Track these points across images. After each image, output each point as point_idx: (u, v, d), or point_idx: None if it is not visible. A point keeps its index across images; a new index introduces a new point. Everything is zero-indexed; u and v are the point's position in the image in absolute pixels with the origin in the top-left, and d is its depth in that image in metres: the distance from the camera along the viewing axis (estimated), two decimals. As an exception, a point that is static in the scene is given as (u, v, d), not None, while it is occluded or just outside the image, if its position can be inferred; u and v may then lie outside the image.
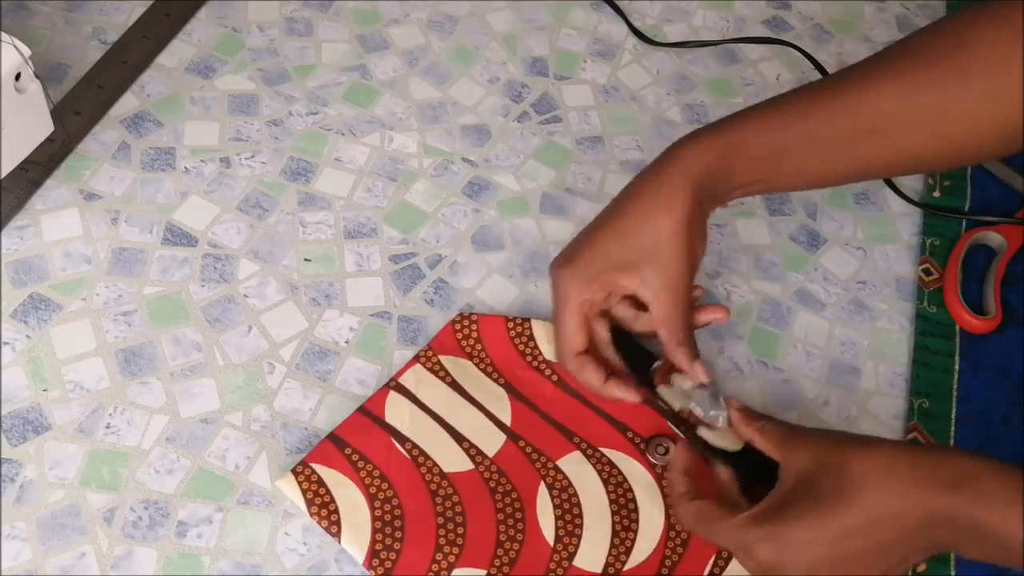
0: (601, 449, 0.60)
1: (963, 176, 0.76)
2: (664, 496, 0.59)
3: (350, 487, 0.57)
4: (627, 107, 0.78)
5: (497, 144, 0.74)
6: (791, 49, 0.83)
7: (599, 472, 0.59)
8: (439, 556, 0.55)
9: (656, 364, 0.60)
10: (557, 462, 0.59)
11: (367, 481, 0.57)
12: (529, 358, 0.63)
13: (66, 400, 0.59)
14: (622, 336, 0.61)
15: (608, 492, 0.59)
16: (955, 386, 0.65)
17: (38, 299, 0.62)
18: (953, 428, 0.63)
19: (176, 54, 0.76)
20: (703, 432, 0.57)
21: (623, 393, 0.58)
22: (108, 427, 0.58)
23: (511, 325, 0.63)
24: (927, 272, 0.70)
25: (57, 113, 0.68)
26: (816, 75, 0.81)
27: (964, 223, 0.73)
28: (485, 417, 0.60)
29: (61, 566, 0.53)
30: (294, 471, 0.57)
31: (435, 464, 0.58)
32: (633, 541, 0.57)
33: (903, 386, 0.66)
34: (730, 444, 0.57)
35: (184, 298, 0.64)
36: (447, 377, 0.62)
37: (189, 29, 0.77)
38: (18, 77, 0.61)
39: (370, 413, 0.60)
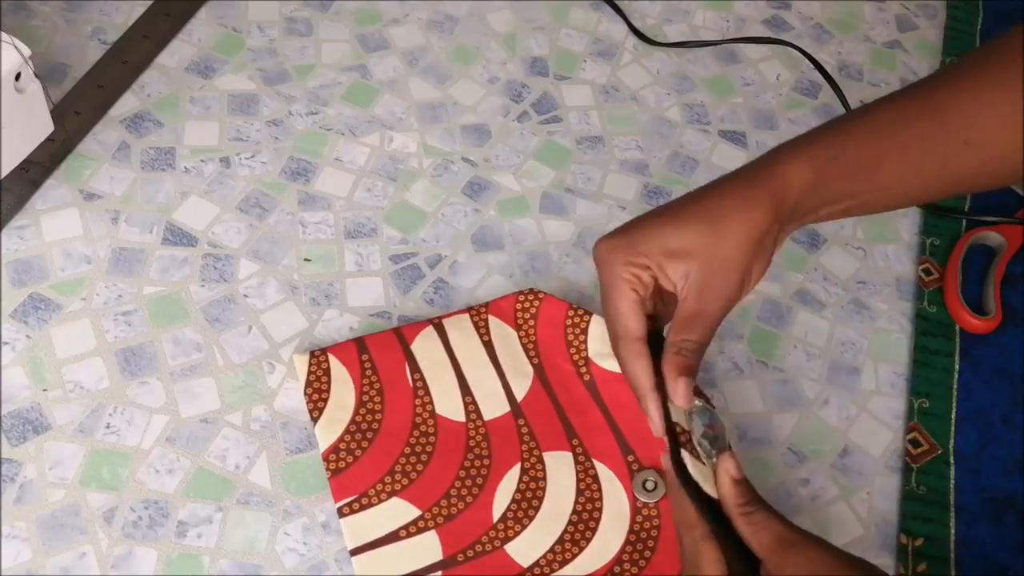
0: (594, 460, 0.59)
1: (963, 176, 0.76)
2: (632, 534, 0.57)
3: (348, 387, 0.60)
4: (627, 107, 0.78)
5: (497, 144, 0.74)
6: (791, 49, 0.83)
7: (579, 481, 0.58)
8: (387, 479, 0.57)
9: None
10: (544, 453, 0.59)
11: (365, 388, 0.60)
12: (573, 350, 0.62)
13: (66, 400, 0.59)
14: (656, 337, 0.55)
15: (576, 503, 0.58)
16: (955, 386, 0.65)
17: (38, 299, 0.62)
18: (953, 428, 0.63)
19: (176, 54, 0.76)
20: (687, 458, 0.50)
21: (656, 416, 0.51)
22: (108, 427, 0.58)
23: (571, 313, 0.63)
24: (927, 272, 0.71)
25: (57, 113, 0.68)
26: (816, 75, 0.81)
27: (964, 223, 0.73)
28: (500, 385, 0.61)
29: (61, 566, 0.53)
30: (312, 353, 0.61)
31: (431, 401, 0.60)
32: (574, 555, 0.56)
33: (903, 386, 0.66)
34: (711, 488, 0.49)
35: (184, 298, 0.64)
36: (486, 335, 0.62)
37: (189, 29, 0.77)
38: (18, 77, 0.61)
39: (401, 336, 0.62)
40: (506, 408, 0.60)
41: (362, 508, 0.56)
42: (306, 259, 0.66)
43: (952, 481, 0.61)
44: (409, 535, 0.55)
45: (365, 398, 0.59)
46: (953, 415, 0.64)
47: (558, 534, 0.56)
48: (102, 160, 0.69)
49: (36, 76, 0.62)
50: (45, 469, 0.56)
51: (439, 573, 0.54)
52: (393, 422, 0.59)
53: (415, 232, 0.69)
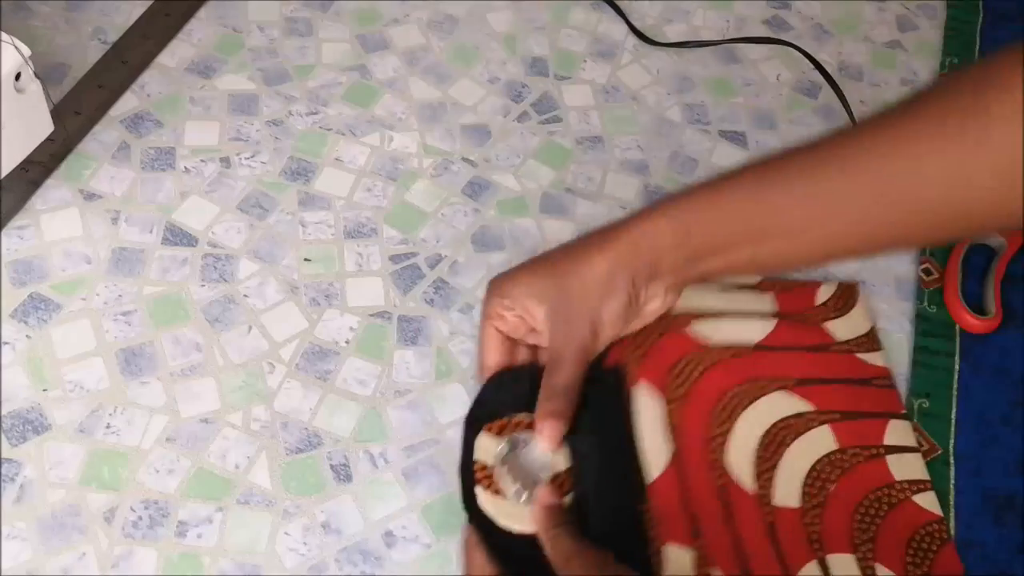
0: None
1: (963, 176, 0.76)
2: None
3: None
4: (627, 107, 0.78)
5: (497, 144, 0.74)
6: (791, 49, 0.83)
7: None
8: None
9: (516, 416, 0.55)
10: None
11: None
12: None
13: (66, 400, 0.59)
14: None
15: None
16: (955, 386, 0.65)
17: (38, 299, 0.62)
18: (953, 428, 0.63)
19: (176, 54, 0.76)
20: (483, 496, 0.52)
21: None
22: (108, 427, 0.58)
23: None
24: (927, 272, 0.71)
25: (57, 113, 0.68)
26: (816, 75, 0.81)
27: (964, 223, 0.73)
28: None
29: (61, 566, 0.53)
30: None
31: None
32: None
33: (903, 386, 0.66)
34: (515, 522, 0.51)
35: (184, 298, 0.64)
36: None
37: (189, 29, 0.77)
38: (18, 77, 0.61)
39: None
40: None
41: None
42: (306, 259, 0.66)
43: (952, 481, 0.61)
44: None
45: None
46: (953, 415, 0.64)
47: None
48: (102, 160, 0.69)
49: (36, 76, 0.62)
50: (45, 469, 0.56)
51: None
52: None
53: (415, 232, 0.69)
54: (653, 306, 0.56)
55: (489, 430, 0.54)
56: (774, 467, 0.58)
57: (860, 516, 0.57)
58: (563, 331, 0.54)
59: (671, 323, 0.61)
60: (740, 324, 0.62)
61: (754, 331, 0.62)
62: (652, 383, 0.58)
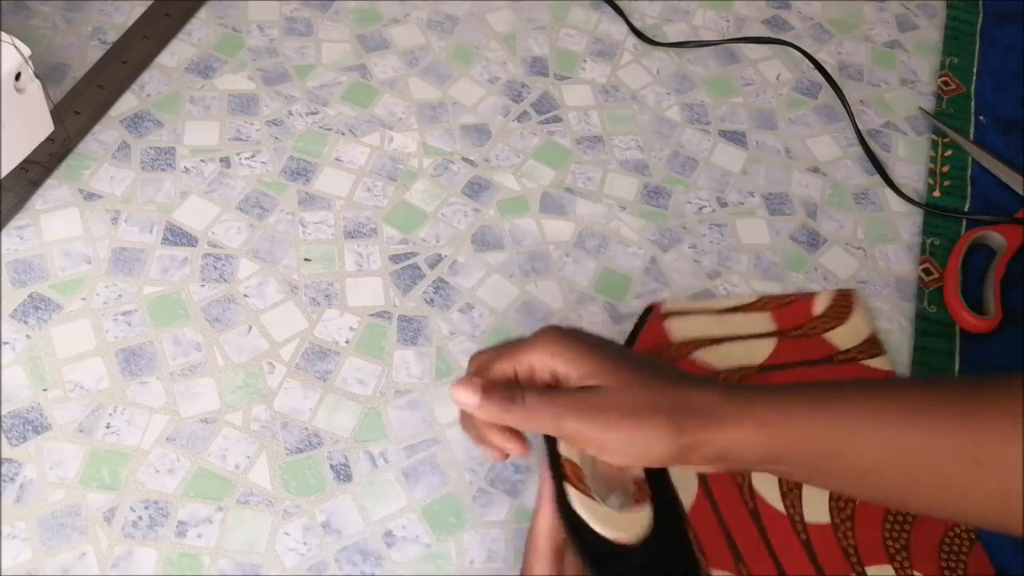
0: None
1: (963, 176, 0.76)
2: None
3: None
4: (627, 107, 0.78)
5: (497, 144, 0.74)
6: (791, 49, 0.83)
7: None
8: None
9: None
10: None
11: None
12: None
13: (66, 400, 0.59)
14: None
15: None
16: (955, 386, 0.65)
17: (38, 299, 0.62)
18: (953, 428, 0.63)
19: (176, 54, 0.76)
20: (574, 496, 0.49)
21: (502, 443, 0.51)
22: (108, 427, 0.58)
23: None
24: (927, 272, 0.70)
25: (57, 113, 0.68)
26: (816, 75, 0.81)
27: (964, 223, 0.73)
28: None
29: (61, 566, 0.53)
30: None
31: None
32: None
33: (903, 386, 0.66)
34: (612, 529, 0.48)
35: (184, 298, 0.64)
36: None
37: (189, 29, 0.77)
38: (18, 77, 0.61)
39: None
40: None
41: None
42: (306, 259, 0.66)
43: (952, 481, 0.61)
44: None
45: None
46: (953, 415, 0.64)
47: None
48: (102, 160, 0.69)
49: (36, 76, 0.62)
50: (45, 469, 0.56)
51: None
52: None
53: (415, 232, 0.69)
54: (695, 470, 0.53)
55: None
56: (799, 486, 0.59)
57: (890, 524, 0.58)
58: (598, 423, 0.48)
59: (674, 354, 0.62)
60: (742, 347, 0.63)
61: (757, 353, 0.63)
62: None
